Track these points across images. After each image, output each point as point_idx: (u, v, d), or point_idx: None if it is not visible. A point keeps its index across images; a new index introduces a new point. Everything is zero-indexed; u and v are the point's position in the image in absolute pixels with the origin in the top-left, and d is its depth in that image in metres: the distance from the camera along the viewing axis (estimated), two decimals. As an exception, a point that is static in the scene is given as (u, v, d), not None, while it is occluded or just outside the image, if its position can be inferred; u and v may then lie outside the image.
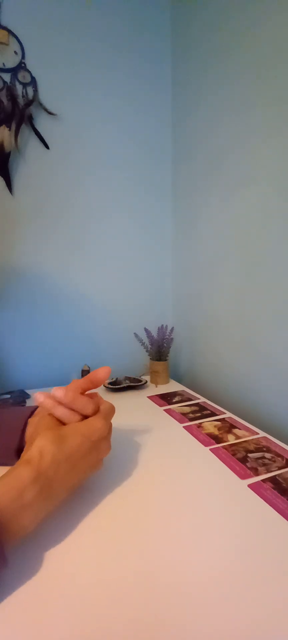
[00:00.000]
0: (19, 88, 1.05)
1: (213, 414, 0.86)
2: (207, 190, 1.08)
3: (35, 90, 1.07)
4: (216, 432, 0.75)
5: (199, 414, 0.86)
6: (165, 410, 0.90)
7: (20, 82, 1.05)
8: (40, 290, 1.15)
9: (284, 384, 0.80)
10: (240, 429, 0.76)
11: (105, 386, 1.08)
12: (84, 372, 1.09)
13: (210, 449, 0.67)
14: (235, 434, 0.74)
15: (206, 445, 0.69)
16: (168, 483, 0.57)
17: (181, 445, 0.70)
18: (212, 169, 1.04)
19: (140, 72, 1.23)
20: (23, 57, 1.05)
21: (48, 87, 1.09)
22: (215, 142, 1.02)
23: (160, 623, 0.33)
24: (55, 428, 0.48)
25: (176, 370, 1.32)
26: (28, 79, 1.06)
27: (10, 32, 1.03)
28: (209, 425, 0.79)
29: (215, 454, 0.65)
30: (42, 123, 1.10)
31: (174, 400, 0.98)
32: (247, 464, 0.61)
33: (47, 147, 1.11)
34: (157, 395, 1.03)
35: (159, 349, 1.16)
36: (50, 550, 0.42)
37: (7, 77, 1.04)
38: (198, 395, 1.01)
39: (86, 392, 0.58)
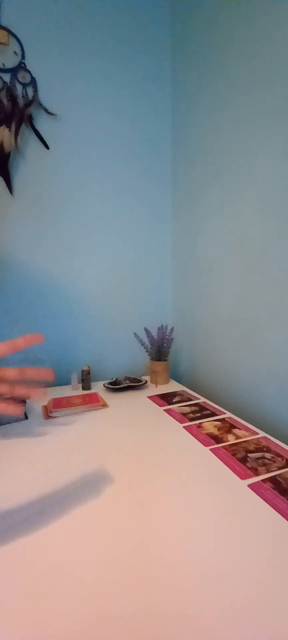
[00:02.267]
0: (18, 88, 1.05)
1: (213, 414, 0.86)
2: (207, 190, 1.08)
3: (35, 91, 1.07)
4: (216, 432, 0.75)
5: (199, 414, 0.86)
6: (165, 410, 0.90)
7: (20, 83, 1.05)
8: (40, 290, 1.15)
9: (284, 384, 0.80)
10: (240, 429, 0.76)
11: (105, 386, 1.08)
12: (84, 372, 1.09)
13: (210, 449, 0.67)
14: (235, 434, 0.74)
15: (206, 445, 0.69)
16: (168, 483, 0.57)
17: (181, 445, 0.70)
18: (212, 168, 1.04)
19: (140, 71, 1.23)
20: (23, 57, 1.05)
21: (48, 87, 1.09)
22: (216, 142, 1.02)
23: (160, 623, 0.33)
24: None
25: (176, 370, 1.32)
26: (28, 79, 1.06)
27: (10, 32, 1.03)
28: (209, 425, 0.79)
29: (215, 454, 0.65)
30: (42, 123, 1.10)
31: (174, 400, 0.98)
32: (247, 464, 0.61)
33: (47, 147, 1.11)
34: (157, 395, 1.03)
35: (159, 349, 1.16)
36: (50, 547, 0.42)
37: (7, 77, 1.04)
38: (198, 395, 1.02)
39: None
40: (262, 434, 0.74)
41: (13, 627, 0.33)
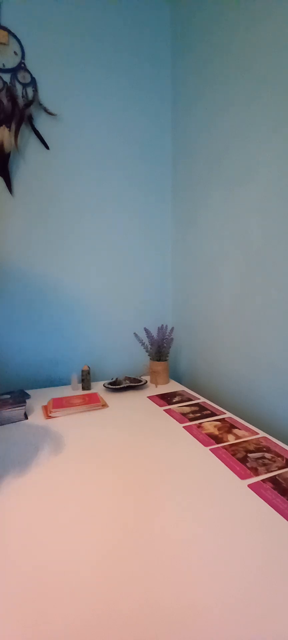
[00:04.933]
0: (18, 88, 1.05)
1: (213, 414, 0.86)
2: (207, 190, 1.08)
3: (35, 91, 1.07)
4: (216, 432, 0.75)
5: (199, 414, 0.86)
6: (165, 410, 0.90)
7: (20, 83, 1.05)
8: (40, 290, 1.15)
9: (284, 384, 0.80)
10: (240, 429, 0.76)
11: (105, 386, 1.08)
12: (84, 372, 1.09)
13: (210, 449, 0.67)
14: (235, 434, 0.74)
15: (206, 445, 0.69)
16: (169, 483, 0.57)
17: (181, 445, 0.70)
18: (212, 169, 1.04)
19: (139, 71, 1.23)
20: (23, 57, 1.05)
21: (48, 88, 1.09)
22: (215, 142, 1.02)
23: (159, 621, 0.33)
24: None
25: (176, 370, 1.32)
26: (28, 79, 1.06)
27: (10, 32, 1.03)
28: (209, 425, 0.79)
29: (215, 454, 0.65)
30: (42, 123, 1.10)
31: (174, 400, 0.98)
32: (247, 464, 0.61)
33: (47, 147, 1.11)
34: (157, 395, 1.03)
35: (159, 349, 1.16)
36: (50, 546, 0.42)
37: (7, 77, 1.04)
38: (198, 395, 1.02)
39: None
40: (262, 434, 0.74)
41: (13, 623, 0.33)
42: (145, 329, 1.19)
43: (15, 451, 0.69)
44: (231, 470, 0.59)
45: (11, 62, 1.04)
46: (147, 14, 1.22)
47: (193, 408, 0.91)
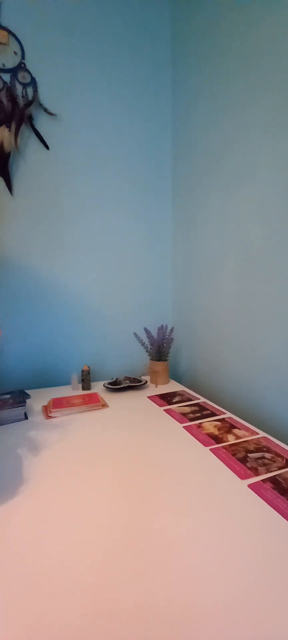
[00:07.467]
0: (18, 88, 1.05)
1: (213, 414, 0.86)
2: (207, 190, 1.08)
3: (35, 91, 1.07)
4: (216, 432, 0.75)
5: (199, 414, 0.86)
6: (165, 410, 0.90)
7: (20, 83, 1.05)
8: (40, 290, 1.15)
9: (284, 384, 0.80)
10: (240, 429, 0.76)
11: (105, 386, 1.08)
12: (84, 372, 1.09)
13: (210, 449, 0.67)
14: (235, 434, 0.74)
15: (206, 445, 0.69)
16: (169, 483, 0.57)
17: (181, 445, 0.70)
18: (212, 169, 1.04)
19: (139, 71, 1.23)
20: (23, 57, 1.05)
21: (48, 88, 1.09)
22: (215, 142, 1.02)
23: (159, 620, 0.33)
24: None
25: (176, 370, 1.32)
26: (28, 79, 1.06)
27: (10, 32, 1.03)
28: (209, 425, 0.79)
29: (215, 454, 0.65)
30: (42, 123, 1.10)
31: (174, 400, 0.98)
32: (247, 464, 0.61)
33: (47, 147, 1.11)
34: (157, 395, 1.03)
35: (159, 349, 1.16)
36: (51, 546, 0.42)
37: (7, 77, 1.04)
38: (198, 395, 1.02)
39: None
40: (262, 434, 0.74)
41: (13, 623, 0.33)
42: (145, 329, 1.19)
43: (14, 451, 0.69)
44: (231, 470, 0.59)
45: (11, 62, 1.04)
46: (147, 14, 1.22)
47: (193, 408, 0.91)
